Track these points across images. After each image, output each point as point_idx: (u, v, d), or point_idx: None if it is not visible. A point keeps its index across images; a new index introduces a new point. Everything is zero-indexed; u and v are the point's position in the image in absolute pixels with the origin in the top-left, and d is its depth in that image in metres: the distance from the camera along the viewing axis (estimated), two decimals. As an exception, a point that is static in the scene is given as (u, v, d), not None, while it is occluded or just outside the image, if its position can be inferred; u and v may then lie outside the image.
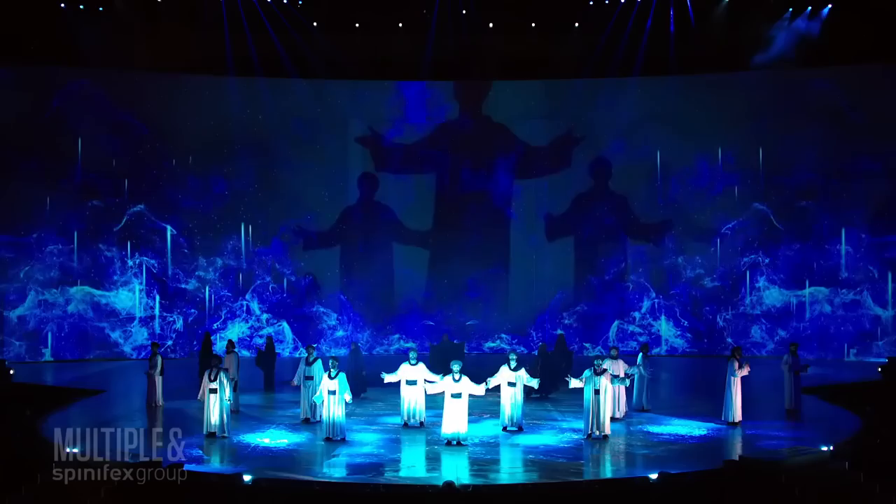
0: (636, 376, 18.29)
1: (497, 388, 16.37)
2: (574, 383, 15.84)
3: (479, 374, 16.03)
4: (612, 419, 16.25)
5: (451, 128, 28.16)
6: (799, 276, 26.67)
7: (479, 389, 15.36)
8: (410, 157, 28.14)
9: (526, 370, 16.52)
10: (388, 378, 16.71)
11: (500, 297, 28.17)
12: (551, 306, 27.82)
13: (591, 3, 26.40)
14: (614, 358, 17.61)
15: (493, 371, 16.35)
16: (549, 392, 19.75)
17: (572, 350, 23.28)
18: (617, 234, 27.80)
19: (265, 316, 27.30)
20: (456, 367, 15.32)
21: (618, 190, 27.90)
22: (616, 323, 27.61)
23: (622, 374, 17.00)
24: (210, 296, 27.04)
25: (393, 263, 28.17)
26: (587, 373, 15.65)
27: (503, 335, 27.84)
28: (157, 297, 26.62)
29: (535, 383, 16.51)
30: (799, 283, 26.65)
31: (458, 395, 15.07)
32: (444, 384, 15.34)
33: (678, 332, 27.46)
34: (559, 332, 25.52)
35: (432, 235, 28.22)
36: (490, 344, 27.67)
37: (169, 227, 26.72)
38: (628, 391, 17.72)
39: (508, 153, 28.14)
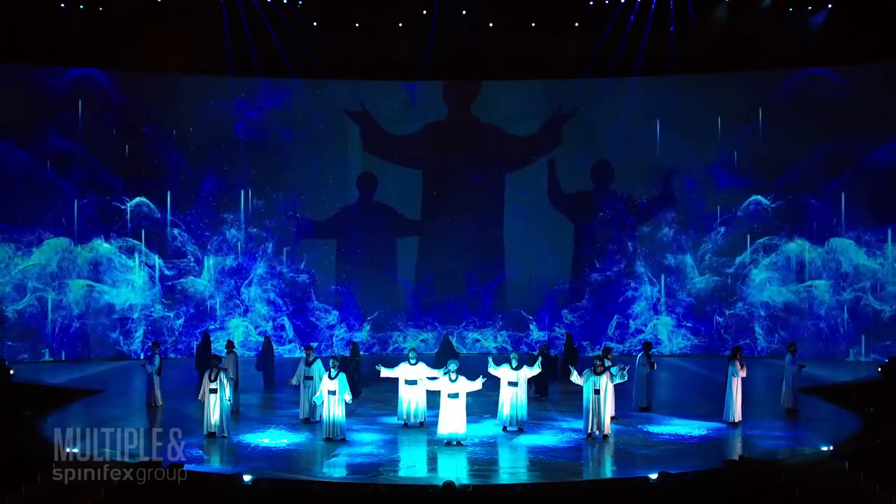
0: (636, 375, 18.32)
1: (497, 385, 16.38)
2: (575, 377, 15.86)
3: (480, 375, 15.99)
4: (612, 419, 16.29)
5: (451, 126, 28.10)
6: (800, 274, 26.68)
7: (477, 384, 15.33)
8: (410, 154, 28.12)
9: (527, 367, 16.56)
10: (385, 373, 16.70)
11: (499, 294, 28.18)
12: (552, 304, 27.80)
13: (591, 3, 26.38)
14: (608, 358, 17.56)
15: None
16: (548, 392, 19.83)
17: (577, 347, 23.35)
18: (617, 233, 27.78)
19: (264, 310, 27.30)
20: (453, 366, 15.32)
21: (618, 188, 27.90)
22: (615, 320, 27.58)
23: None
24: (210, 294, 27.04)
25: (392, 263, 28.19)
26: (587, 372, 15.67)
27: (503, 332, 27.82)
28: (158, 295, 26.63)
29: (537, 367, 16.56)
30: (800, 281, 26.64)
31: (455, 395, 15.07)
32: (441, 384, 15.34)
33: (679, 332, 27.44)
34: (564, 331, 25.69)
35: (430, 234, 28.21)
36: (492, 344, 27.65)
37: (169, 225, 26.74)
38: (624, 390, 17.74)
39: (508, 152, 28.11)
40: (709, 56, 26.69)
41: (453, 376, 15.19)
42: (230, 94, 27.22)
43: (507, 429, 16.20)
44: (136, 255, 26.41)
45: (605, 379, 15.59)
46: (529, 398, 16.95)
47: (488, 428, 16.38)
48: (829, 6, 25.64)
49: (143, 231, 26.50)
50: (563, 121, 27.99)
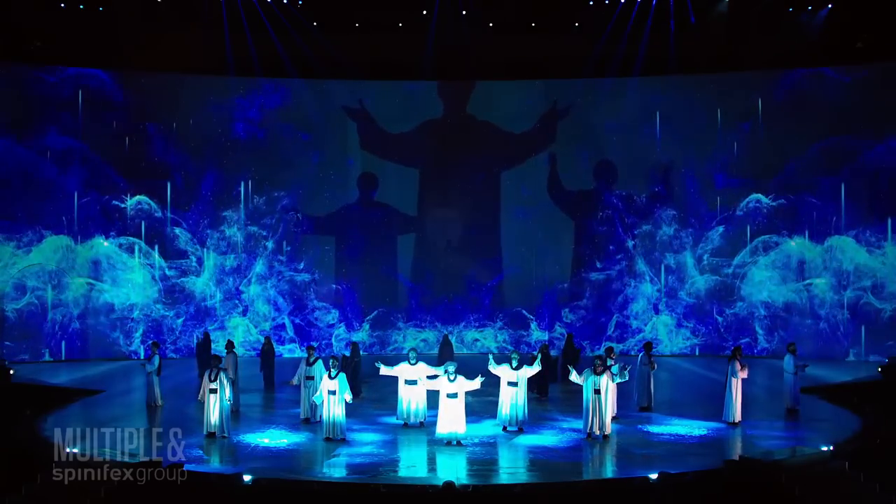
0: (637, 374, 18.32)
1: (497, 383, 16.38)
2: (574, 376, 15.86)
3: (479, 374, 15.98)
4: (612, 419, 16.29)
5: (450, 125, 28.11)
6: (800, 273, 26.67)
7: (476, 383, 15.33)
8: (408, 152, 28.14)
9: (527, 367, 16.55)
10: (385, 371, 16.67)
11: (499, 293, 28.21)
12: (552, 303, 27.81)
13: (591, 3, 26.37)
14: (611, 357, 17.57)
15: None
16: (548, 392, 19.84)
17: (579, 348, 23.36)
18: (617, 232, 27.79)
19: (264, 309, 27.31)
20: (451, 367, 15.33)
21: (618, 188, 27.92)
22: (615, 319, 27.59)
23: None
24: (210, 293, 27.06)
25: (392, 262, 28.25)
26: (587, 372, 15.67)
27: (504, 331, 27.84)
28: (158, 294, 26.64)
29: (536, 365, 16.51)
30: (800, 280, 26.63)
31: (453, 395, 15.07)
32: (440, 383, 15.33)
33: (679, 331, 27.44)
34: (565, 330, 25.71)
35: (430, 233, 28.28)
36: (493, 343, 27.65)
37: (169, 223, 26.77)
38: (625, 388, 17.76)
39: (505, 149, 28.13)
40: (709, 56, 26.69)
41: (452, 377, 15.18)
42: (230, 94, 27.30)
43: (507, 429, 16.20)
44: (137, 253, 26.44)
45: (605, 378, 15.58)
46: (529, 398, 16.93)
47: (488, 428, 16.38)
48: (829, 6, 25.63)
49: (143, 229, 26.54)
50: (559, 117, 28.02)
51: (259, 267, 27.41)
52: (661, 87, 27.49)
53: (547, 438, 15.68)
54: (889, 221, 25.71)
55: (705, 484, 12.85)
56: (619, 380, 16.26)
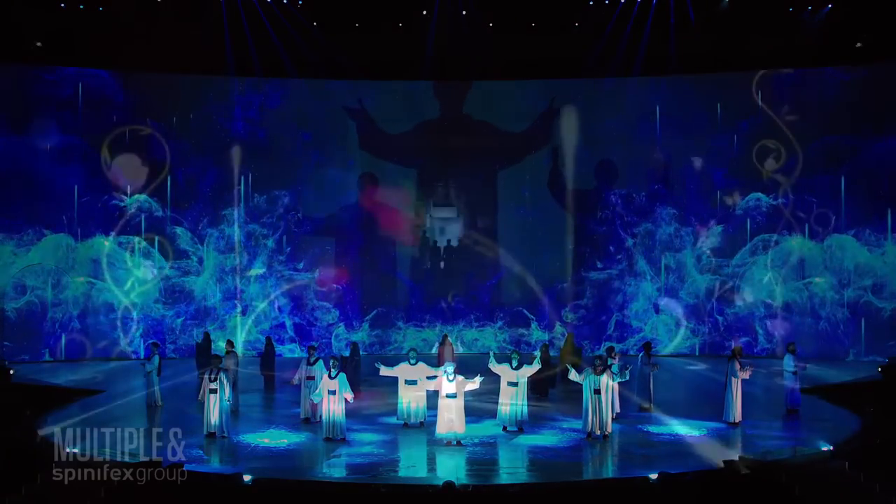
0: (637, 375, 18.31)
1: (497, 382, 16.38)
2: (573, 375, 15.86)
3: (478, 374, 15.98)
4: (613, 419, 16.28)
5: (448, 126, 28.12)
6: (800, 272, 26.67)
7: (475, 383, 15.33)
8: (407, 152, 28.16)
9: (527, 366, 16.54)
10: (385, 371, 16.65)
11: (499, 293, 28.22)
12: (552, 303, 27.81)
13: (591, 3, 26.37)
14: (612, 356, 17.58)
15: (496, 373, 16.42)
16: (548, 393, 19.84)
17: (580, 347, 23.35)
18: (617, 231, 27.79)
19: (262, 305, 27.30)
20: (450, 367, 15.33)
21: (618, 187, 27.91)
22: (614, 319, 27.59)
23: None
24: (210, 293, 27.06)
25: (392, 262, 28.26)
26: (587, 371, 15.67)
27: (504, 331, 27.84)
28: (158, 294, 26.63)
29: (536, 364, 16.46)
30: (800, 279, 26.62)
31: (452, 395, 15.06)
32: (439, 384, 15.32)
33: (679, 331, 27.43)
34: (565, 330, 25.72)
35: (430, 231, 28.28)
36: (493, 343, 27.64)
37: (170, 223, 26.78)
38: (627, 386, 17.75)
39: (504, 149, 28.15)
40: (709, 56, 26.69)
41: (451, 377, 15.18)
42: (230, 94, 27.32)
43: (507, 429, 16.20)
44: (137, 252, 26.44)
45: (605, 378, 15.58)
46: (529, 398, 16.92)
47: (488, 428, 16.38)
48: (830, 6, 25.63)
49: (143, 229, 26.55)
50: (557, 115, 28.01)
51: (259, 266, 27.42)
52: (661, 86, 27.51)
53: (547, 438, 15.69)
54: (889, 220, 25.71)
55: (705, 484, 12.85)
56: (619, 379, 16.26)
